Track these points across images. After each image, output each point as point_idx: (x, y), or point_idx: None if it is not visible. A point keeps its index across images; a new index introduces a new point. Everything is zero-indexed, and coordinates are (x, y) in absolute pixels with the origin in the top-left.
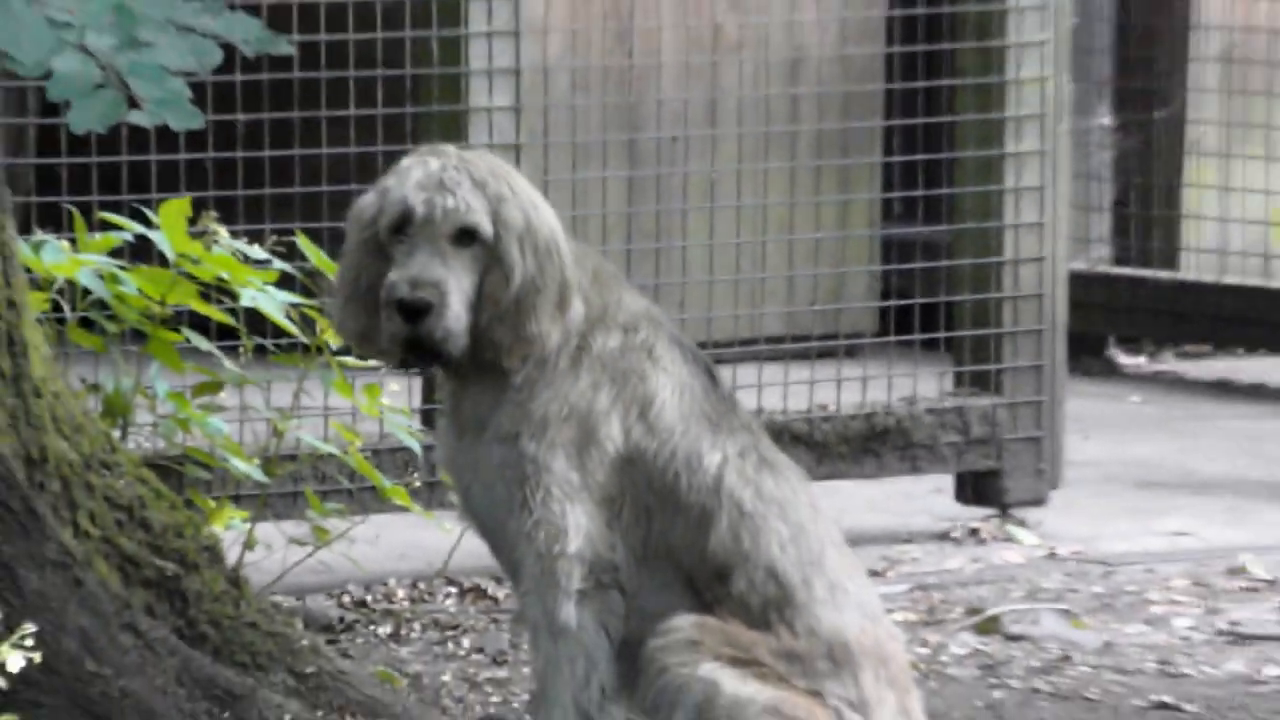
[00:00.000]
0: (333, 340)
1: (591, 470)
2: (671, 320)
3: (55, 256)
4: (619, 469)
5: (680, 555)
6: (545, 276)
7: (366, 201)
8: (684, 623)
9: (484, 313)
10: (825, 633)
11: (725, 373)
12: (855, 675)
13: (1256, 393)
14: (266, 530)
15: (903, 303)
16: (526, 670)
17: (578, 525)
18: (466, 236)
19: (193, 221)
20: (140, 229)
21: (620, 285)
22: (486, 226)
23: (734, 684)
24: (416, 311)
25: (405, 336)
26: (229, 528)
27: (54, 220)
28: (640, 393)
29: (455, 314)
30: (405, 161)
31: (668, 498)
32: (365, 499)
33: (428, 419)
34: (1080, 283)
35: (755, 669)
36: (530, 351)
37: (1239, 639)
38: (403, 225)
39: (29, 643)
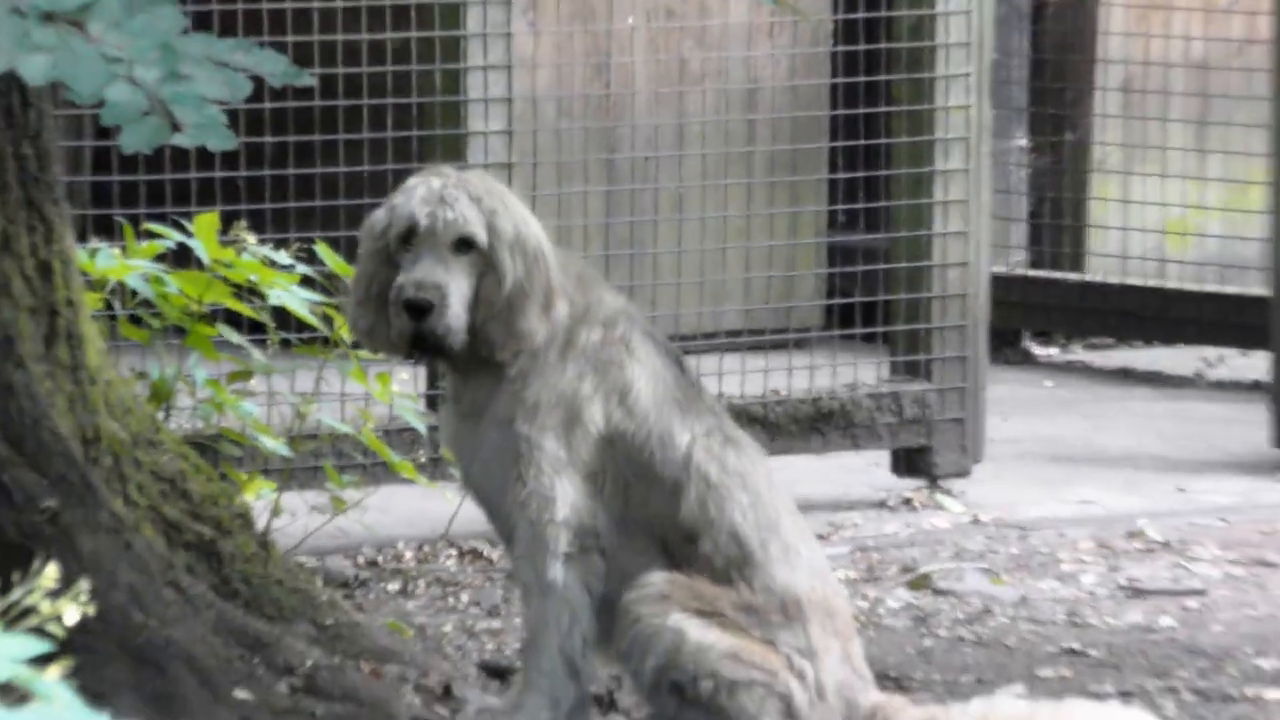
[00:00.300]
0: (348, 335)
1: (577, 448)
2: (645, 316)
3: (108, 262)
4: (601, 448)
5: (654, 521)
6: (533, 281)
7: (377, 216)
8: (656, 579)
9: (479, 312)
10: (779, 589)
11: (691, 362)
12: (805, 626)
13: (1153, 379)
14: (291, 499)
15: (845, 301)
16: (518, 622)
17: (565, 496)
18: (464, 245)
19: (225, 230)
20: (181, 238)
21: (600, 286)
22: (482, 236)
23: (699, 632)
24: (421, 310)
25: (411, 332)
26: (258, 497)
27: (106, 230)
28: (619, 381)
29: (455, 313)
30: (411, 181)
31: (644, 472)
32: (377, 472)
33: (432, 403)
34: (1000, 284)
35: (718, 620)
36: (520, 347)
37: (1137, 593)
38: (409, 236)
39: (84, 598)
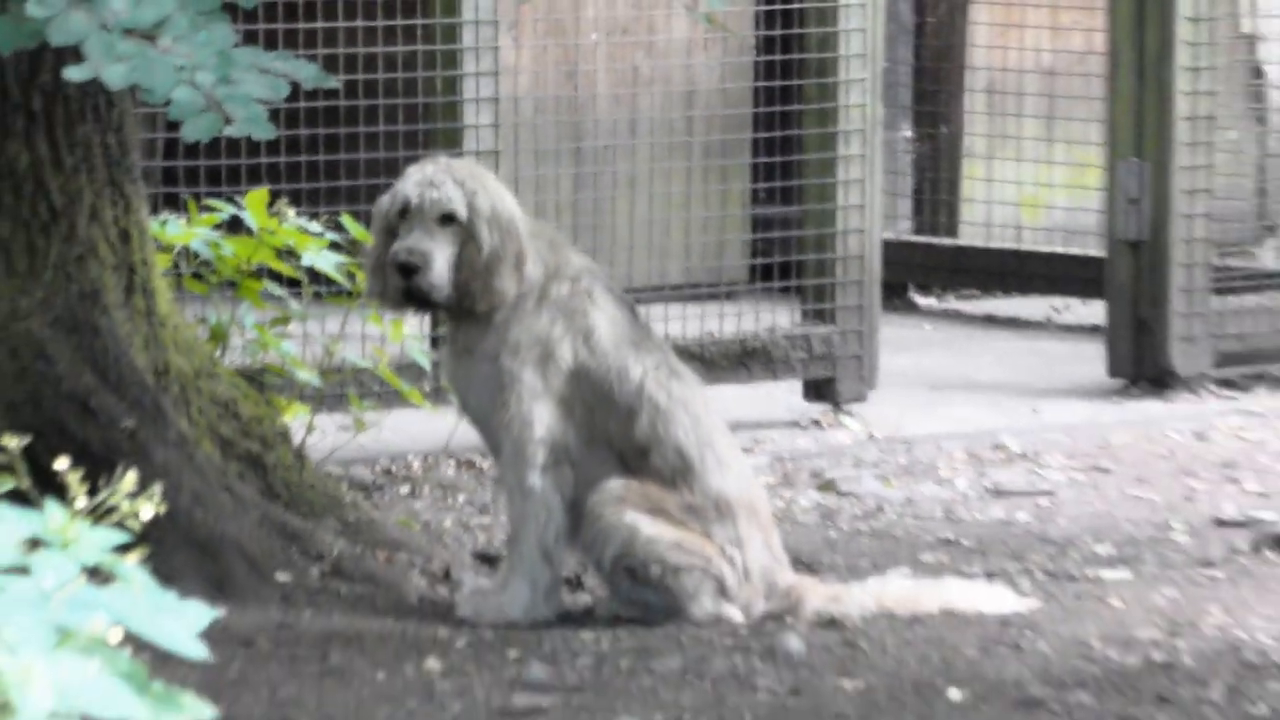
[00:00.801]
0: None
1: (550, 380)
2: (605, 273)
3: (175, 230)
4: (570, 380)
5: (614, 439)
6: (506, 248)
7: (384, 199)
8: (615, 485)
9: (462, 273)
10: (714, 493)
11: (641, 310)
12: (734, 522)
13: (1012, 323)
14: (321, 420)
15: (765, 261)
16: (504, 519)
17: (541, 419)
18: (448, 219)
19: (270, 205)
20: (234, 210)
21: (568, 249)
22: (463, 212)
23: (649, 527)
24: (410, 270)
25: (403, 288)
26: (295, 419)
27: (174, 205)
28: (584, 325)
29: (438, 272)
30: (411, 168)
31: (605, 400)
32: (390, 399)
33: (434, 344)
34: (889, 247)
35: (665, 517)
36: (495, 301)
37: (999, 494)
38: (404, 212)
39: (156, 499)
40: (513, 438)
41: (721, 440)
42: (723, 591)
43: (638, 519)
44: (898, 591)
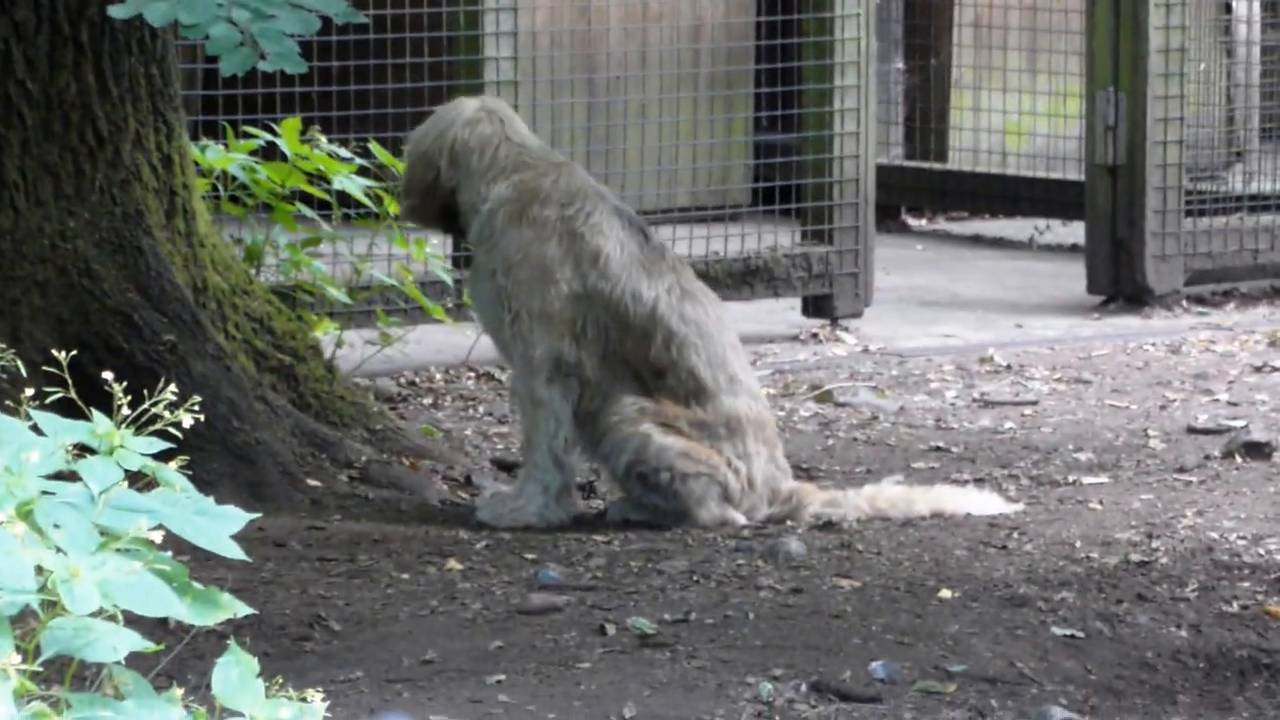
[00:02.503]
0: (393, 209)
1: (550, 300)
2: (614, 196)
3: (214, 155)
4: (575, 302)
5: (630, 360)
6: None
7: (420, 133)
8: (630, 401)
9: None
10: (725, 411)
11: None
12: (742, 439)
13: (998, 244)
14: (350, 335)
15: (768, 184)
16: (518, 428)
17: (540, 337)
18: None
19: (303, 132)
20: (269, 138)
21: (574, 175)
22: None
23: (661, 437)
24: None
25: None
26: (326, 334)
27: (212, 132)
28: (589, 249)
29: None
30: (440, 110)
31: (619, 322)
32: (415, 315)
33: (456, 263)
34: (883, 171)
35: (676, 431)
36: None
37: (986, 404)
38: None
39: (195, 409)
40: (519, 353)
41: (734, 360)
42: (727, 497)
43: (651, 430)
44: (891, 495)
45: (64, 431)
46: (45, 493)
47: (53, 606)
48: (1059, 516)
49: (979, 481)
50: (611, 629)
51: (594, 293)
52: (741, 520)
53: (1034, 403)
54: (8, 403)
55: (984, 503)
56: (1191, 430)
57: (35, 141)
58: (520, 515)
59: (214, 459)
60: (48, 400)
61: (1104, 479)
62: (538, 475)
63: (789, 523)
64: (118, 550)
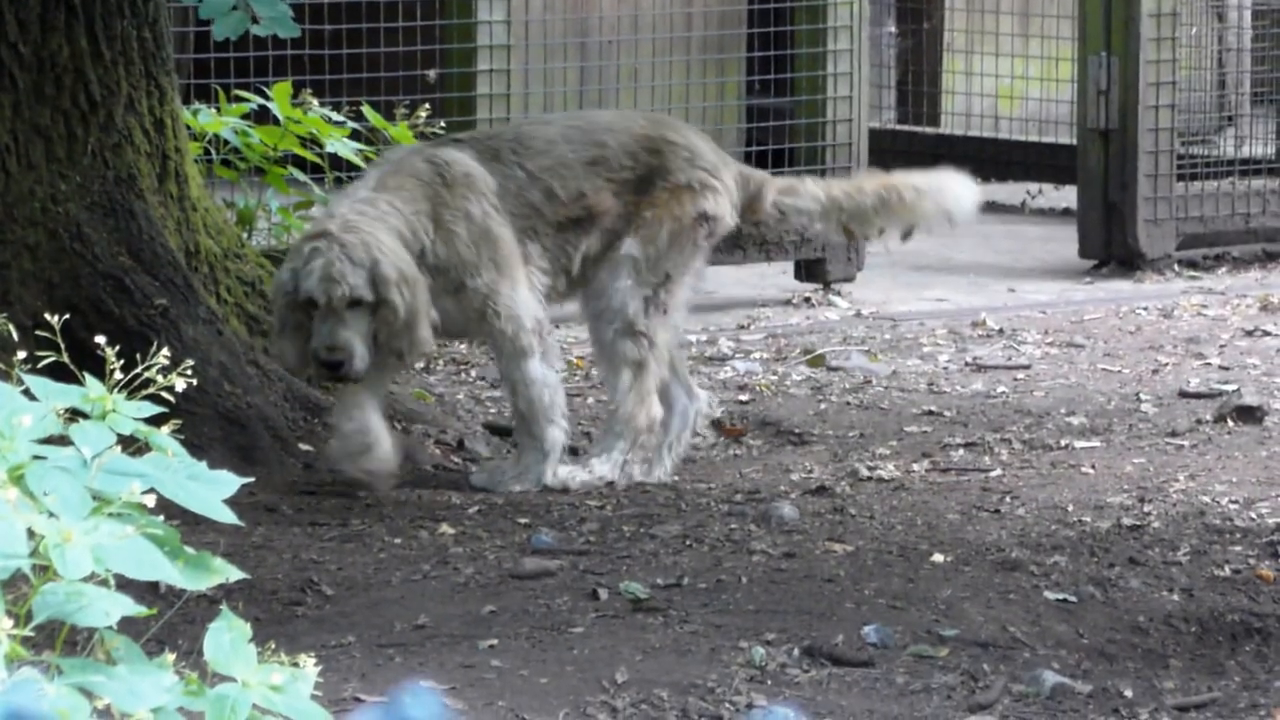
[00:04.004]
0: None
1: (511, 260)
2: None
3: (207, 119)
4: (510, 214)
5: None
6: (418, 301)
7: (285, 279)
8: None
9: (382, 334)
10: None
11: None
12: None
13: (991, 207)
14: None
15: (760, 148)
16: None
17: (527, 309)
18: (355, 303)
19: (295, 96)
20: (261, 101)
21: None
22: (368, 294)
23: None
24: (334, 365)
25: (329, 376)
26: None
27: (205, 95)
28: (464, 180)
29: (360, 356)
30: (304, 250)
31: (546, 193)
32: None
33: None
34: (875, 135)
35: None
36: (424, 351)
37: (979, 368)
38: (311, 305)
39: (188, 372)
40: (508, 338)
41: None
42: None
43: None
44: (845, 186)
45: (56, 396)
46: (37, 457)
47: (44, 571)
48: (1051, 480)
49: (971, 446)
50: (604, 593)
51: (515, 186)
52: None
53: (1026, 367)
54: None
55: (942, 184)
56: (1183, 394)
57: (27, 104)
58: (520, 480)
59: (206, 423)
60: (39, 364)
61: (1096, 443)
62: (538, 446)
63: (750, 215)
64: (110, 515)
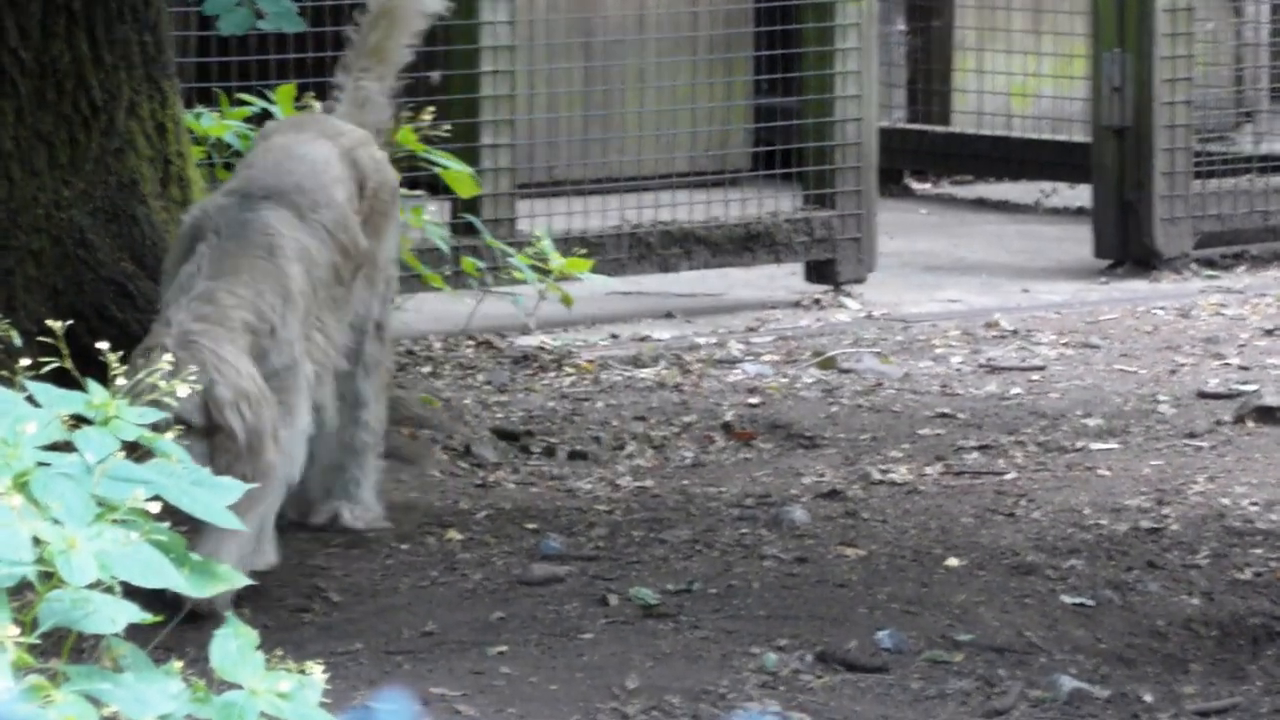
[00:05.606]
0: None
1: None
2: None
3: (209, 122)
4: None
5: None
6: (263, 421)
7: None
8: None
9: (220, 463)
10: None
11: (649, 198)
12: None
13: (1002, 207)
14: None
15: (769, 149)
16: (520, 396)
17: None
18: (186, 427)
19: (298, 99)
20: (264, 104)
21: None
22: (198, 419)
23: None
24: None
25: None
26: None
27: (207, 99)
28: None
29: None
30: (136, 365)
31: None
32: (413, 283)
33: (455, 229)
34: (886, 135)
35: None
36: (280, 476)
37: (992, 370)
38: None
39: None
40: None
41: None
42: None
43: None
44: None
45: (60, 402)
46: (41, 464)
47: (50, 578)
48: (1067, 483)
49: (986, 449)
50: (614, 599)
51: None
52: None
53: (1041, 368)
54: (3, 373)
55: None
56: (1202, 395)
57: (29, 110)
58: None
59: (213, 431)
60: (43, 370)
61: (1113, 445)
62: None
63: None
64: (115, 521)
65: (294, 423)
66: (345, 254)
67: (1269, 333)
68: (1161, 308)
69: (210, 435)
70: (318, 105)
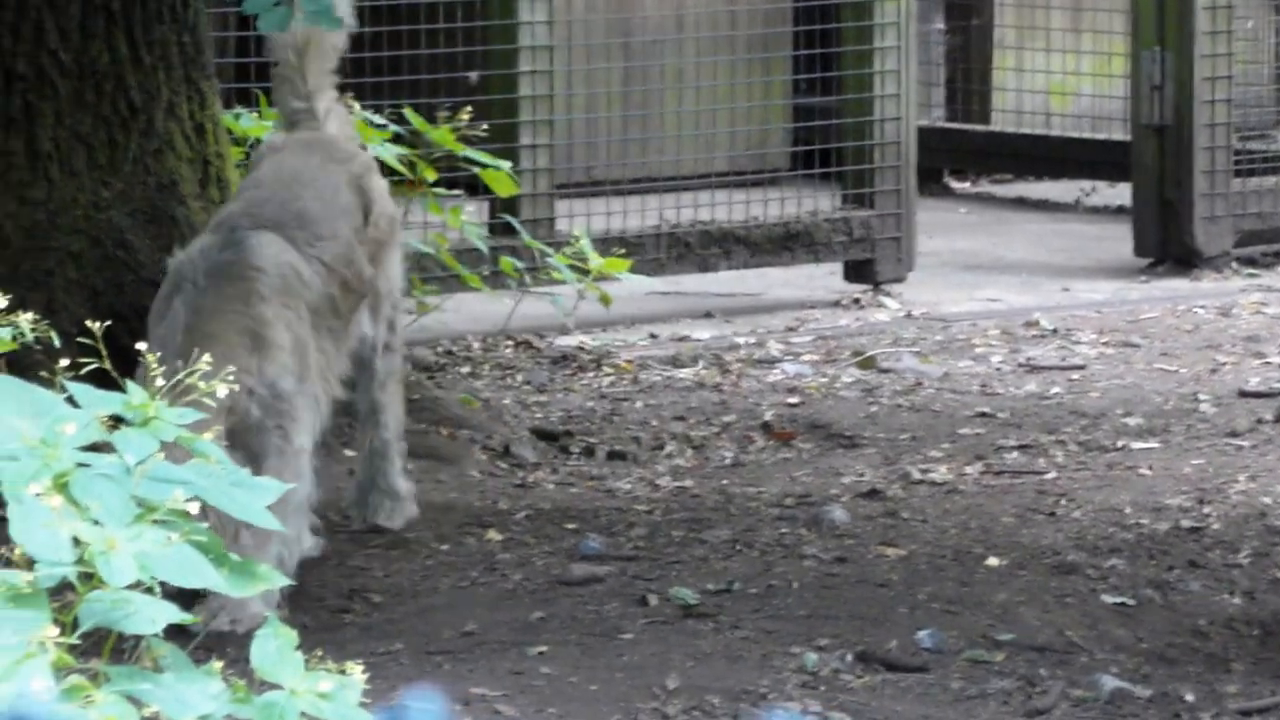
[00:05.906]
0: (429, 175)
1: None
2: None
3: (248, 123)
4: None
5: None
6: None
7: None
8: None
9: None
10: None
11: (688, 198)
12: None
13: (1042, 206)
14: None
15: (808, 148)
16: (560, 396)
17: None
18: None
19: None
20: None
21: None
22: None
23: None
24: None
25: None
26: None
27: (245, 100)
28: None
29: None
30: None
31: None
32: (451, 283)
33: (493, 229)
34: (925, 134)
35: None
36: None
37: (1033, 369)
38: None
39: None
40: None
41: None
42: None
43: None
44: None
45: (99, 403)
46: (81, 465)
47: (90, 579)
48: (1108, 482)
49: (1026, 449)
50: (654, 599)
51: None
52: None
53: (1081, 367)
54: (43, 374)
55: None
56: (1243, 394)
57: (68, 112)
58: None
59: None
60: (82, 372)
61: (1154, 444)
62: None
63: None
64: (154, 522)
65: (290, 448)
66: (346, 288)
67: None
68: (1202, 306)
69: None
70: (355, 104)
